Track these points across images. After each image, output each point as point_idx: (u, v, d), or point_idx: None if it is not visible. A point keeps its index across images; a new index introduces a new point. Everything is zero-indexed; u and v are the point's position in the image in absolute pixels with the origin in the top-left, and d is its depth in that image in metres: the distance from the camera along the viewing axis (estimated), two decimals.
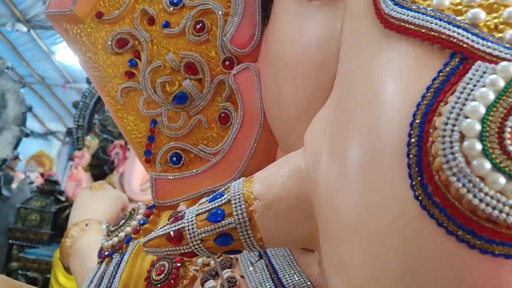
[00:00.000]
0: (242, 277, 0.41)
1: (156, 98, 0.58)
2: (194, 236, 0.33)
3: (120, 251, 0.53)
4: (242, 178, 0.35)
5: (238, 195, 0.33)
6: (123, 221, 0.56)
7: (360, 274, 0.25)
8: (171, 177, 0.57)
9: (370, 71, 0.27)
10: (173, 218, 0.35)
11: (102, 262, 0.55)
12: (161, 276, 0.46)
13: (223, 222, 0.32)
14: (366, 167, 0.25)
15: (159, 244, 0.34)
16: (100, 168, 3.51)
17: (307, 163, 0.32)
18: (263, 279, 0.40)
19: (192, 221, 0.33)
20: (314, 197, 0.31)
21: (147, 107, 0.59)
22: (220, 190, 0.35)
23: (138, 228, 0.54)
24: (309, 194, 0.31)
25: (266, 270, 0.40)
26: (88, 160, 3.31)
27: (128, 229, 0.54)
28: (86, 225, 1.15)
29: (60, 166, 7.83)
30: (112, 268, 0.51)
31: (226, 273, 0.42)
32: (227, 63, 0.57)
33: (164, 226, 0.35)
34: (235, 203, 0.32)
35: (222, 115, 0.57)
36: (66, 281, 3.01)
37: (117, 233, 0.55)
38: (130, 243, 0.53)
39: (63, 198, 3.62)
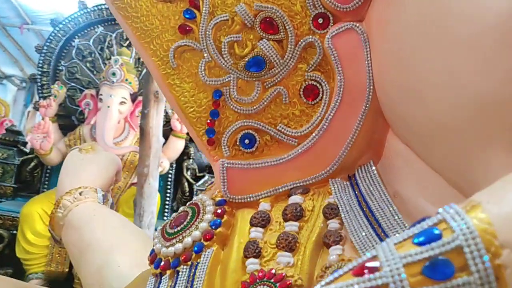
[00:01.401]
0: None
1: (222, 63, 0.45)
2: None
3: (189, 262, 0.41)
4: (452, 204, 0.24)
5: (473, 238, 0.21)
6: (183, 221, 0.44)
7: None
8: (248, 166, 0.45)
9: None
10: (360, 266, 0.23)
11: (160, 274, 0.43)
12: None
13: (454, 281, 0.21)
14: None
15: None
16: (68, 119, 3.29)
17: None
18: None
19: (399, 275, 0.22)
20: None
21: (210, 74, 0.46)
22: (427, 221, 0.24)
23: (211, 232, 0.42)
24: None
25: None
26: (55, 109, 3.08)
27: (197, 233, 0.42)
28: (80, 193, 1.01)
29: (16, 112, 7.41)
30: (183, 286, 0.40)
31: None
32: (320, 20, 0.44)
33: (344, 274, 0.23)
34: (471, 252, 0.21)
35: (309, 87, 0.45)
36: (35, 239, 2.87)
37: (180, 237, 0.43)
38: (202, 252, 0.41)
39: (27, 150, 3.39)
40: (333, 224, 0.39)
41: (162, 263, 0.43)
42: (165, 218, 3.14)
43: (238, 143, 0.46)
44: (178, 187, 3.24)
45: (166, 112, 2.77)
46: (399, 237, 0.24)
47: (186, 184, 3.20)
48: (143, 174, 2.24)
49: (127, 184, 2.89)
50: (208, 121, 0.46)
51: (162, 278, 0.42)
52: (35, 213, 2.79)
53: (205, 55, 0.46)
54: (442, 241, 0.22)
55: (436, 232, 0.23)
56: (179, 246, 0.42)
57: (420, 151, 0.38)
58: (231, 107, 0.46)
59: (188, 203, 0.47)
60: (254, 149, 0.46)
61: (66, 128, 3.19)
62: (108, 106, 2.87)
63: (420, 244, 0.23)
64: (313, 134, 0.44)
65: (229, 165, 0.45)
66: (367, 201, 0.40)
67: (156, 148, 2.25)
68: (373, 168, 0.43)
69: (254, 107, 0.45)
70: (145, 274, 0.52)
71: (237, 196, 0.45)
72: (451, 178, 0.35)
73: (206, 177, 3.19)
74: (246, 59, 0.44)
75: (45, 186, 3.24)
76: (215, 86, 0.46)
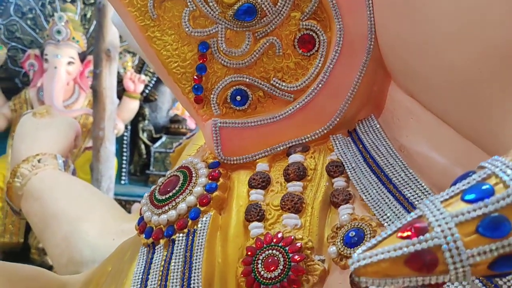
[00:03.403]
0: None
1: (209, 11, 0.41)
2: (461, 261, 0.20)
3: (185, 230, 0.38)
4: (495, 156, 0.22)
5: None
6: (175, 187, 0.41)
7: None
8: (243, 125, 0.41)
9: None
10: (405, 228, 0.21)
11: (153, 243, 0.40)
12: (276, 273, 0.33)
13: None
14: None
15: (390, 271, 0.21)
16: (11, 82, 3.09)
17: None
18: None
19: (453, 235, 0.20)
20: None
21: (194, 24, 0.42)
22: (474, 177, 0.22)
23: (207, 196, 0.39)
24: None
25: None
26: None
27: (192, 198, 0.39)
28: (39, 161, 0.95)
29: None
30: (181, 256, 0.37)
31: None
32: None
33: (388, 237, 0.21)
34: None
35: (304, 38, 0.42)
36: None
37: (173, 203, 0.40)
38: (199, 218, 0.38)
39: None
40: (339, 182, 0.37)
41: (154, 232, 0.40)
42: (122, 182, 3.07)
43: (228, 100, 0.42)
44: (135, 150, 3.16)
45: (118, 72, 2.65)
46: (444, 195, 0.22)
47: (142, 146, 3.12)
48: (99, 138, 2.15)
49: (81, 148, 2.78)
50: (195, 77, 0.42)
51: (156, 248, 0.39)
52: None
53: (189, 3, 0.41)
54: (496, 197, 0.21)
55: (488, 187, 0.21)
56: (172, 213, 0.39)
57: (429, 103, 0.37)
58: (220, 60, 0.42)
59: (177, 167, 0.44)
60: (246, 107, 0.42)
61: (10, 91, 3.00)
62: (55, 67, 2.71)
63: (471, 201, 0.21)
64: (311, 89, 0.41)
65: (222, 124, 0.41)
66: (373, 157, 0.38)
67: (111, 110, 2.16)
68: (375, 122, 0.41)
69: (245, 60, 0.42)
70: (126, 244, 0.49)
71: (232, 157, 0.42)
72: (465, 130, 0.34)
73: (163, 139, 3.12)
74: (235, 7, 0.40)
75: None
76: (201, 38, 0.42)
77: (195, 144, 0.85)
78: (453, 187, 0.22)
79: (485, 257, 0.20)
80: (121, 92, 2.87)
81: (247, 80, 0.42)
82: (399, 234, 0.21)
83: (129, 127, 3.11)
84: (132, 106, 2.97)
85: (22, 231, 2.73)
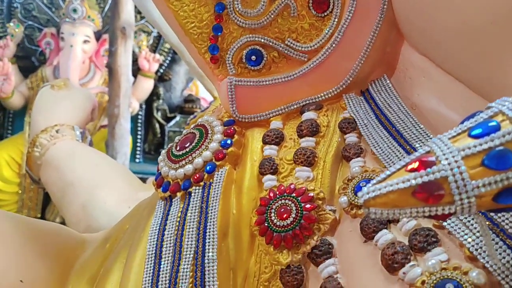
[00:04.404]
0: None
1: None
2: (467, 192, 0.21)
3: (201, 183, 0.40)
4: (504, 97, 0.23)
5: None
6: (191, 143, 0.42)
7: None
8: (257, 83, 0.42)
9: None
10: (413, 161, 0.22)
11: (170, 197, 0.41)
12: (288, 221, 0.34)
13: None
14: None
15: (398, 202, 0.22)
16: (28, 60, 3.12)
17: None
18: None
19: (459, 167, 0.21)
20: None
21: None
22: (481, 115, 0.23)
23: (222, 152, 0.40)
24: None
25: None
26: (13, 50, 2.91)
27: (207, 153, 0.40)
28: (57, 131, 0.97)
29: None
30: (197, 207, 0.38)
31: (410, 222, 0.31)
32: None
33: (397, 171, 0.22)
34: None
35: None
36: (3, 185, 2.79)
37: (190, 158, 0.41)
38: (215, 172, 0.40)
39: None
40: (351, 137, 0.38)
41: (171, 185, 0.41)
42: (136, 160, 3.10)
43: (244, 60, 0.43)
44: (149, 128, 3.19)
45: (133, 51, 2.66)
46: (452, 132, 0.23)
47: (157, 125, 3.15)
48: (114, 115, 2.17)
49: (96, 126, 2.81)
50: (211, 37, 0.43)
51: (173, 200, 0.41)
52: (1, 160, 2.71)
53: None
54: (502, 132, 0.21)
55: (494, 123, 0.22)
56: (189, 167, 0.41)
57: (441, 59, 0.37)
58: (235, 21, 0.43)
59: (193, 125, 0.45)
60: (261, 66, 0.43)
61: (27, 70, 3.03)
62: (71, 46, 2.73)
63: (477, 136, 0.22)
64: (325, 49, 0.42)
65: (237, 83, 0.42)
66: (385, 114, 0.39)
67: (126, 88, 2.18)
68: (388, 81, 0.42)
69: (260, 21, 0.43)
70: (143, 204, 0.51)
71: (247, 115, 0.43)
72: (477, 84, 0.34)
73: (177, 118, 3.14)
74: None
75: (9, 131, 3.12)
76: None
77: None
78: (461, 125, 0.23)
79: (489, 188, 0.21)
80: (136, 71, 2.88)
81: (262, 40, 0.43)
82: (408, 167, 0.22)
83: (143, 106, 3.13)
84: (146, 85, 2.99)
85: (40, 206, 2.79)
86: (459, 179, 0.21)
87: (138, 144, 3.11)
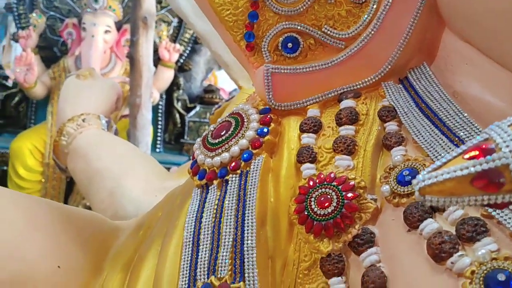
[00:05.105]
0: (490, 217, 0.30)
1: None
2: None
3: (238, 171, 0.40)
4: None
5: None
6: (227, 131, 0.42)
7: None
8: (294, 71, 0.42)
9: None
10: (471, 149, 0.22)
11: (206, 184, 0.41)
12: (329, 210, 0.34)
13: None
14: None
15: (456, 190, 0.21)
16: (50, 50, 3.16)
17: None
18: None
19: None
20: None
21: None
22: None
23: (259, 140, 0.40)
24: None
25: None
26: (36, 40, 2.95)
27: (244, 141, 0.40)
28: (83, 120, 0.98)
29: None
30: (234, 195, 0.38)
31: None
32: None
33: (454, 158, 0.22)
34: None
35: None
36: (27, 174, 2.85)
37: (226, 146, 0.41)
38: (252, 160, 0.39)
39: (9, 84, 3.28)
40: (392, 126, 0.38)
41: (208, 173, 0.41)
42: (157, 150, 3.13)
43: (280, 48, 0.43)
44: (169, 118, 3.21)
45: (153, 41, 2.68)
46: (510, 119, 0.23)
47: (177, 115, 3.16)
48: (135, 105, 2.19)
49: (118, 116, 2.84)
50: (247, 24, 0.43)
51: (209, 188, 0.41)
52: (25, 149, 2.76)
53: None
54: None
55: None
56: (225, 155, 0.40)
57: (486, 46, 0.36)
58: (272, 8, 0.42)
59: (228, 113, 0.45)
60: (297, 54, 0.43)
61: (49, 60, 3.08)
62: (93, 36, 2.76)
63: None
64: (363, 36, 0.41)
65: (274, 70, 0.42)
66: (426, 102, 0.38)
67: (148, 78, 2.19)
68: (428, 69, 0.41)
69: (297, 8, 0.42)
70: (175, 192, 0.51)
71: (283, 103, 0.42)
72: None
73: (197, 108, 3.15)
74: None
75: (32, 121, 3.18)
76: None
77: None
78: None
79: None
80: (156, 61, 2.90)
81: (299, 27, 0.43)
82: (466, 155, 0.22)
83: (164, 96, 3.15)
84: (167, 75, 3.01)
85: (62, 195, 2.84)
86: None
87: (159, 134, 3.14)
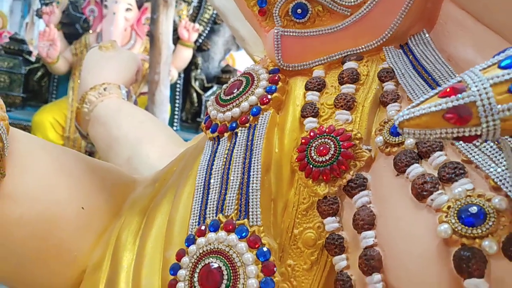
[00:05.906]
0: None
1: None
2: (492, 115, 0.24)
3: (247, 124, 0.43)
4: None
5: None
6: (238, 88, 0.46)
7: None
8: (302, 34, 0.45)
9: None
10: (445, 89, 0.25)
11: (218, 137, 0.45)
12: (327, 157, 0.38)
13: None
14: None
15: (430, 123, 0.25)
16: (72, 27, 3.22)
17: None
18: None
19: (487, 93, 0.24)
20: None
21: None
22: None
23: (267, 97, 0.44)
24: None
25: None
26: (59, 17, 3.01)
27: (253, 98, 0.44)
28: (105, 89, 1.02)
29: (14, 24, 7.19)
30: (243, 145, 0.42)
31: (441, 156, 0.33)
32: None
33: (430, 98, 0.25)
34: None
35: None
36: None
37: (237, 102, 0.45)
38: (260, 115, 0.43)
39: (32, 59, 3.36)
40: (389, 85, 0.41)
41: (219, 127, 0.45)
42: (174, 128, 3.18)
43: (290, 13, 0.46)
44: (187, 97, 3.26)
45: (173, 20, 2.71)
46: (483, 65, 0.26)
47: (194, 94, 3.21)
48: (154, 82, 2.24)
49: (136, 93, 2.90)
50: None
51: (220, 140, 0.45)
52: (46, 122, 2.84)
53: None
54: None
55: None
56: (236, 110, 0.44)
57: (482, 12, 0.39)
58: None
59: (240, 73, 0.48)
60: (306, 19, 0.46)
61: (71, 36, 3.13)
62: (114, 13, 2.80)
63: (506, 67, 0.24)
64: (367, 3, 0.44)
65: (283, 33, 0.45)
66: (422, 64, 0.41)
67: (167, 55, 2.24)
68: (427, 35, 0.44)
69: None
70: (189, 149, 0.55)
71: (291, 64, 0.46)
72: None
73: (214, 88, 3.19)
74: None
75: (53, 95, 3.25)
76: None
77: None
78: (492, 59, 0.26)
79: None
80: (176, 40, 2.94)
81: None
82: (440, 94, 0.25)
83: (182, 75, 3.20)
84: (185, 54, 3.04)
85: None
86: (486, 103, 0.24)
87: (176, 112, 3.19)
